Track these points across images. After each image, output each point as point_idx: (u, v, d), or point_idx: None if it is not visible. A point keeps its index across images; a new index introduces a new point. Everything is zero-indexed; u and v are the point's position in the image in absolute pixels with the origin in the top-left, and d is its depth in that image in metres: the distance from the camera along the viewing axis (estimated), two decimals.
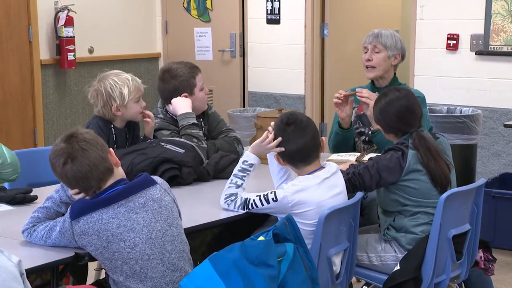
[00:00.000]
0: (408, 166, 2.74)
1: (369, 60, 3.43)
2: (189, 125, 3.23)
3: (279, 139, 2.59)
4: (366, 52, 3.45)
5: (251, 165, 2.69)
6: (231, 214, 2.65)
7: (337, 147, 3.49)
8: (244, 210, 2.62)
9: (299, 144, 2.56)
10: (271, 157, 2.69)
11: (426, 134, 2.83)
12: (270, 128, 2.65)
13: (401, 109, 2.82)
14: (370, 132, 3.38)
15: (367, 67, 3.44)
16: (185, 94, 3.34)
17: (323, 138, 2.63)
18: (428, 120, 3.42)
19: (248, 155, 2.70)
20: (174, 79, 3.33)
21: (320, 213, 2.48)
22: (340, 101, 3.37)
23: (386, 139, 2.95)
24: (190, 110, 3.28)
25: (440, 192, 2.74)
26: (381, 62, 3.41)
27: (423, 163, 2.75)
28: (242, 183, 2.67)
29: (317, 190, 2.52)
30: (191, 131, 3.20)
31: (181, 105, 3.29)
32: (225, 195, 2.67)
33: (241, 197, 2.63)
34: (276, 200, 2.52)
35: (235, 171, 2.69)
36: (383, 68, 3.42)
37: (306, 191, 2.51)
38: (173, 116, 3.38)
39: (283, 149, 2.59)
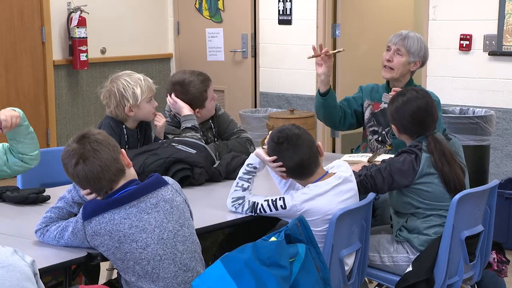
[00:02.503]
0: (421, 169, 2.73)
1: (389, 61, 3.37)
2: (185, 129, 3.25)
3: (274, 157, 2.57)
4: (388, 51, 3.40)
5: (256, 168, 2.68)
6: (243, 215, 2.64)
7: (321, 116, 3.47)
8: (252, 213, 2.61)
9: (296, 160, 2.54)
10: (271, 170, 2.69)
11: (439, 136, 2.81)
12: (265, 145, 2.65)
13: (417, 110, 2.79)
14: (390, 135, 3.35)
15: (385, 67, 3.40)
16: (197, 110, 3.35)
17: (319, 143, 2.61)
18: (442, 123, 3.38)
19: (253, 158, 2.69)
20: (184, 95, 3.32)
21: (329, 221, 2.47)
22: (318, 56, 3.35)
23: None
24: (188, 112, 3.29)
25: (453, 197, 2.71)
26: (400, 65, 3.36)
27: (437, 167, 2.73)
28: (248, 186, 2.66)
29: (327, 198, 2.51)
30: (185, 134, 3.22)
31: (182, 107, 3.31)
32: (232, 198, 2.66)
33: (249, 201, 2.62)
34: (285, 208, 2.51)
35: (240, 173, 2.69)
36: (400, 72, 3.37)
37: (315, 199, 2.50)
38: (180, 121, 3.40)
39: (283, 169, 2.58)
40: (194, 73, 3.39)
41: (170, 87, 3.37)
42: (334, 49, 5.85)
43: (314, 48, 3.41)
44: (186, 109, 3.30)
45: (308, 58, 3.48)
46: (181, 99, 3.33)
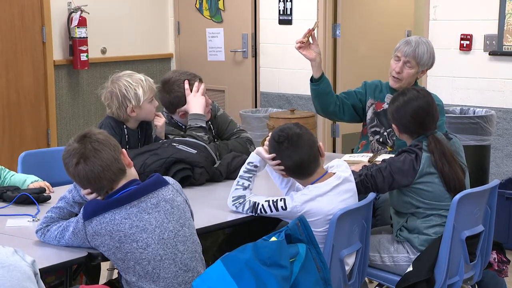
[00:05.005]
0: (421, 169, 2.73)
1: (399, 73, 3.33)
2: (196, 127, 3.23)
3: (273, 155, 2.58)
4: (397, 61, 3.34)
5: (256, 166, 2.68)
6: (243, 215, 2.65)
7: (318, 106, 3.46)
8: (252, 213, 2.61)
9: (295, 160, 2.53)
10: (270, 168, 2.68)
11: (440, 136, 2.82)
12: (266, 143, 2.65)
13: (418, 109, 2.79)
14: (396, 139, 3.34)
15: (394, 77, 3.36)
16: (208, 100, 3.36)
17: (320, 144, 2.60)
18: (444, 128, 3.35)
19: (254, 157, 2.69)
20: (168, 93, 3.33)
21: (329, 221, 2.47)
22: (303, 45, 3.34)
23: None
24: (201, 112, 3.29)
25: (453, 197, 2.71)
26: (410, 77, 3.33)
27: (437, 167, 2.73)
28: (249, 184, 2.66)
29: (328, 199, 2.50)
30: (196, 134, 3.21)
31: (194, 104, 3.29)
32: (233, 197, 2.66)
33: (250, 200, 2.62)
34: (285, 209, 2.51)
35: (241, 172, 2.69)
36: (409, 82, 3.35)
37: (316, 200, 2.49)
38: (178, 123, 3.39)
39: (282, 167, 2.58)
40: (184, 74, 3.38)
41: (159, 86, 3.37)
42: (335, 49, 5.86)
43: (300, 41, 3.38)
44: (196, 107, 3.29)
45: (297, 46, 3.40)
46: (165, 99, 3.35)
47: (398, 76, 3.34)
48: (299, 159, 2.53)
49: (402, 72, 3.33)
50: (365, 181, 2.76)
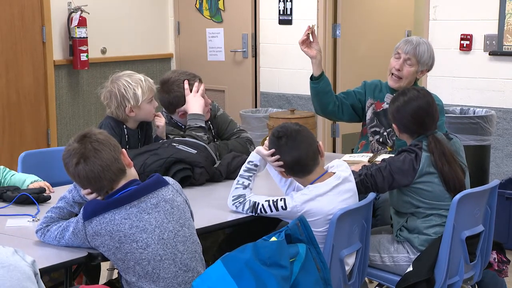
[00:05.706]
0: (421, 168, 2.73)
1: (399, 70, 3.33)
2: (195, 127, 3.23)
3: (272, 150, 2.59)
4: (397, 58, 3.33)
5: (256, 165, 2.68)
6: (243, 215, 2.65)
7: (317, 105, 3.46)
8: (252, 213, 2.62)
9: (294, 156, 2.54)
10: (270, 166, 2.69)
11: (440, 136, 2.82)
12: (266, 142, 2.65)
13: (418, 109, 2.79)
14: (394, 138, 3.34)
15: (393, 75, 3.35)
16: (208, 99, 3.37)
17: (320, 143, 2.61)
18: (444, 128, 3.35)
19: (254, 156, 2.70)
20: (168, 93, 3.34)
21: (329, 221, 2.47)
22: (306, 38, 3.34)
23: None
24: (200, 112, 3.29)
25: (453, 197, 2.72)
26: (409, 75, 3.33)
27: (437, 167, 2.74)
28: (249, 184, 2.67)
29: (328, 198, 2.51)
30: (196, 134, 3.21)
31: (193, 104, 3.29)
32: (233, 196, 2.67)
33: (250, 200, 2.62)
34: (285, 209, 2.52)
35: (241, 171, 2.69)
36: (409, 81, 3.35)
37: (316, 200, 2.50)
38: (178, 123, 3.39)
39: (281, 163, 2.58)
40: (183, 74, 3.38)
41: (158, 87, 3.36)
42: (335, 49, 5.86)
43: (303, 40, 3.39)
44: (195, 107, 3.29)
45: (301, 41, 3.38)
46: (165, 99, 3.35)
47: (398, 74, 3.34)
48: (297, 155, 2.54)
49: (402, 70, 3.33)
50: (365, 181, 2.76)
